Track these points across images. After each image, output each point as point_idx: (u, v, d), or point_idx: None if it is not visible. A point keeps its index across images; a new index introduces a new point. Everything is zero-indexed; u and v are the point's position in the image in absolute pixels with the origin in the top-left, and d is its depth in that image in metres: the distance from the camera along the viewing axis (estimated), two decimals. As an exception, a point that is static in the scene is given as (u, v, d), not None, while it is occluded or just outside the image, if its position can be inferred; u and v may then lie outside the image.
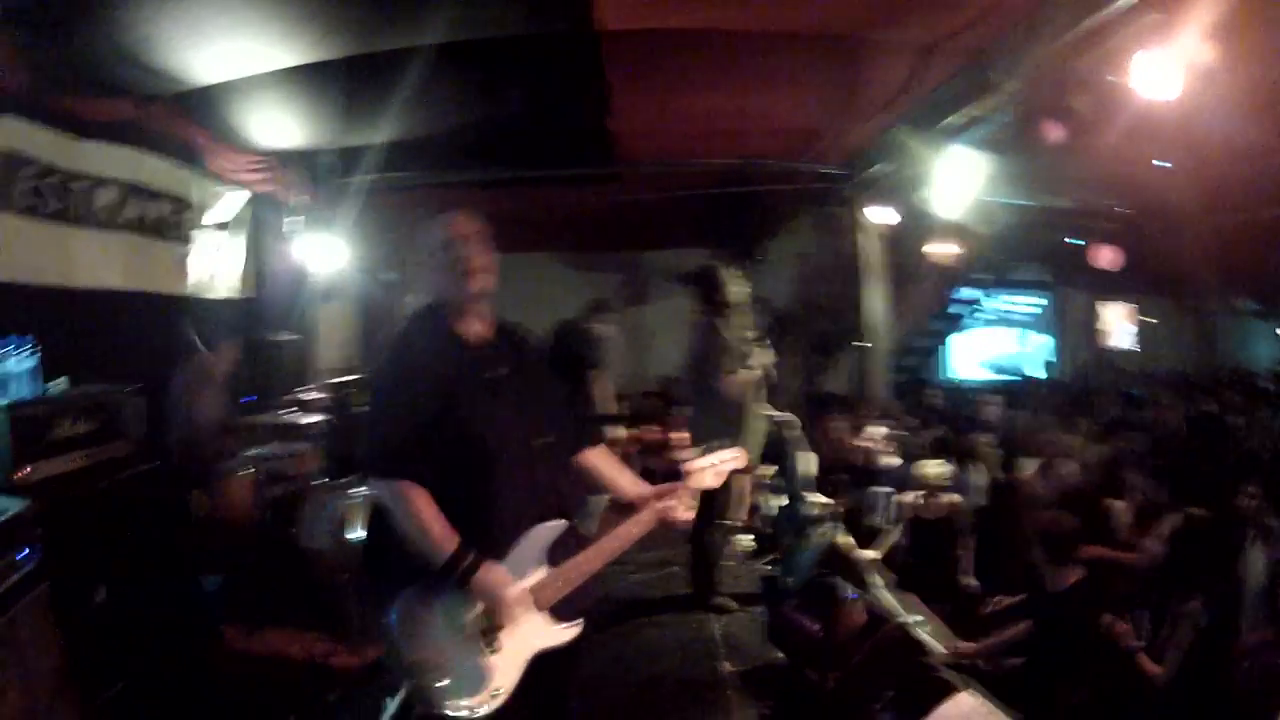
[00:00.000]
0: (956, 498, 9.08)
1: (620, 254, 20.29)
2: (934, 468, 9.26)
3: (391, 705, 6.04)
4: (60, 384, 6.42)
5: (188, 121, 9.00)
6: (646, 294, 19.94)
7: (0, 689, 4.40)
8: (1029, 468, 10.21)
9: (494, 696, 3.65)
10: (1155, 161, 13.94)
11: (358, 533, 7.70)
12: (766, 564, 9.52)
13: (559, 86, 9.98)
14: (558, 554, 3.94)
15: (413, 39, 8.03)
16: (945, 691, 5.47)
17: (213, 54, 7.91)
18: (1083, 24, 7.48)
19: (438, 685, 3.60)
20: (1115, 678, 6.06)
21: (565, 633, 3.93)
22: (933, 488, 9.17)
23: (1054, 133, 10.17)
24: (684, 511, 4.21)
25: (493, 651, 3.70)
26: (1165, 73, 7.04)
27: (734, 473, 4.29)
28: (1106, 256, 17.87)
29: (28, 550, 4.94)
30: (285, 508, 8.09)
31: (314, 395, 9.66)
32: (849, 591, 6.83)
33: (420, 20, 7.66)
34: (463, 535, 3.71)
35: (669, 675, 6.99)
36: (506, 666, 3.72)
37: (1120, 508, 8.50)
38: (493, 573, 3.71)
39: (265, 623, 7.33)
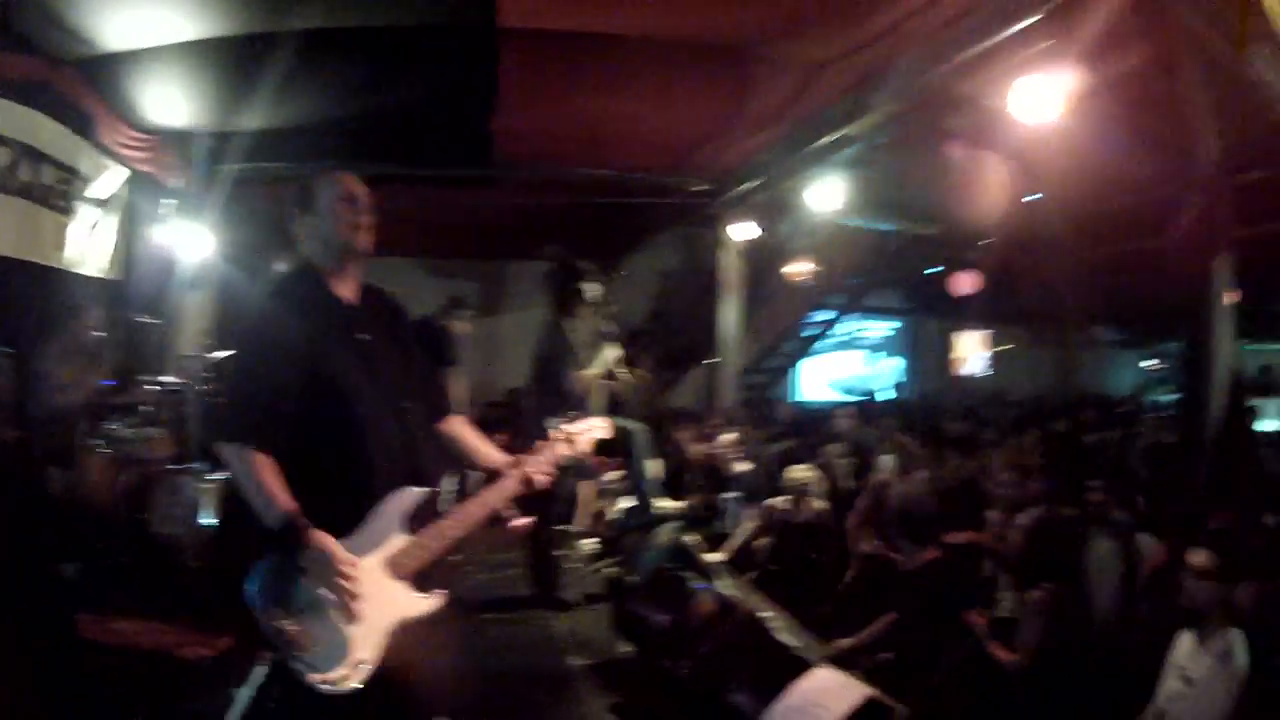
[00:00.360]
0: (823, 503, 9.24)
1: (483, 262, 20.25)
2: (801, 472, 9.42)
3: (242, 695, 6.10)
4: None
5: (89, 89, 8.85)
6: (503, 303, 19.99)
7: None
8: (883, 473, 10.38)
9: (358, 667, 3.56)
10: (1026, 194, 14.21)
11: (210, 518, 7.74)
12: (610, 565, 9.66)
13: (448, 81, 9.91)
14: (418, 522, 3.88)
15: (315, 20, 7.96)
16: (800, 668, 5.64)
17: (126, 19, 7.80)
18: (973, 49, 7.73)
19: (300, 657, 3.51)
20: (973, 662, 6.27)
21: (426, 602, 3.83)
22: (800, 492, 9.29)
23: (927, 157, 10.44)
24: (544, 476, 4.21)
25: (350, 621, 3.60)
26: (1044, 99, 7.26)
27: (578, 480, 4.34)
28: (965, 283, 18.20)
29: None
30: (139, 492, 8.06)
31: (172, 380, 9.58)
32: (698, 583, 7.00)
33: (317, 4, 7.67)
34: (327, 500, 3.67)
35: (516, 670, 7.00)
36: (367, 637, 3.62)
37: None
38: (322, 539, 3.57)
39: (118, 611, 7.32)
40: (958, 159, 12.28)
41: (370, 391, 3.91)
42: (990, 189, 13.57)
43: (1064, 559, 6.64)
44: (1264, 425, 16.31)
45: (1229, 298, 7.10)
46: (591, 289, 8.35)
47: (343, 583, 3.54)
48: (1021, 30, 7.16)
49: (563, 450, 4.32)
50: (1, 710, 5.66)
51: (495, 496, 4.12)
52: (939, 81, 8.64)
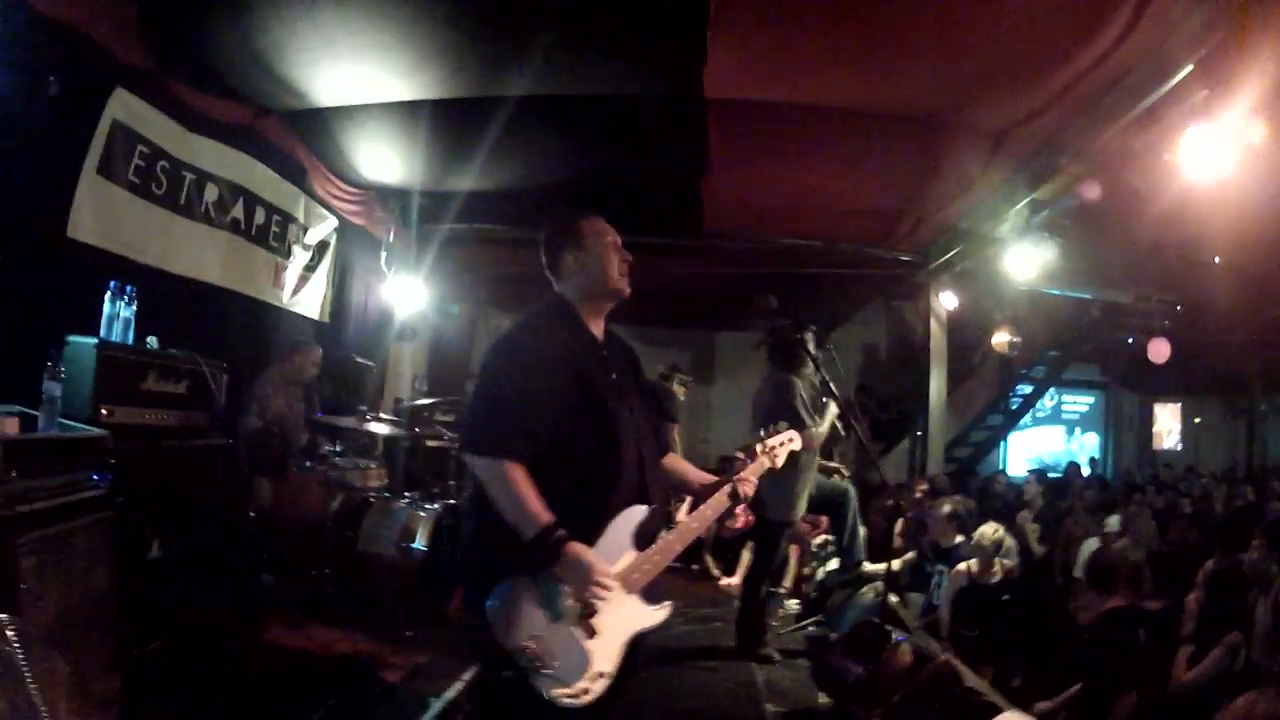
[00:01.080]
0: (1010, 563, 9.10)
1: (691, 331, 20.34)
2: (990, 531, 9.30)
3: (437, 704, 6.25)
4: (151, 342, 6.60)
5: (297, 139, 9.24)
6: (714, 374, 20.16)
7: (44, 591, 4.55)
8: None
9: (598, 680, 3.63)
10: (1209, 256, 13.93)
11: (420, 544, 7.95)
12: (811, 624, 9.65)
13: (658, 148, 10.00)
14: (644, 540, 3.93)
15: (525, 88, 8.15)
16: (990, 713, 5.62)
17: (335, 75, 8.10)
18: (1141, 104, 7.73)
19: (542, 672, 3.55)
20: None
21: (658, 614, 3.93)
22: (987, 552, 9.15)
23: (1112, 220, 10.32)
24: (751, 487, 4.33)
25: (590, 635, 3.67)
26: (1214, 149, 7.18)
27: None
28: (1159, 351, 17.85)
29: (97, 476, 5.16)
30: (348, 514, 8.32)
31: (384, 418, 9.89)
32: (897, 635, 6.96)
33: (537, 70, 7.81)
34: (570, 516, 3.71)
35: (712, 713, 7.14)
36: (606, 650, 3.70)
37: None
38: (581, 549, 3.66)
39: (314, 618, 7.56)
40: (1143, 222, 12.13)
41: (624, 424, 4.02)
42: (1177, 251, 13.38)
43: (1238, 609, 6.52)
44: None
45: None
46: (815, 343, 8.47)
47: (598, 593, 3.64)
48: (1180, 83, 7.20)
49: (765, 463, 4.46)
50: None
51: (710, 511, 4.24)
52: (1115, 141, 8.65)
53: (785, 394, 8.13)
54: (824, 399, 8.59)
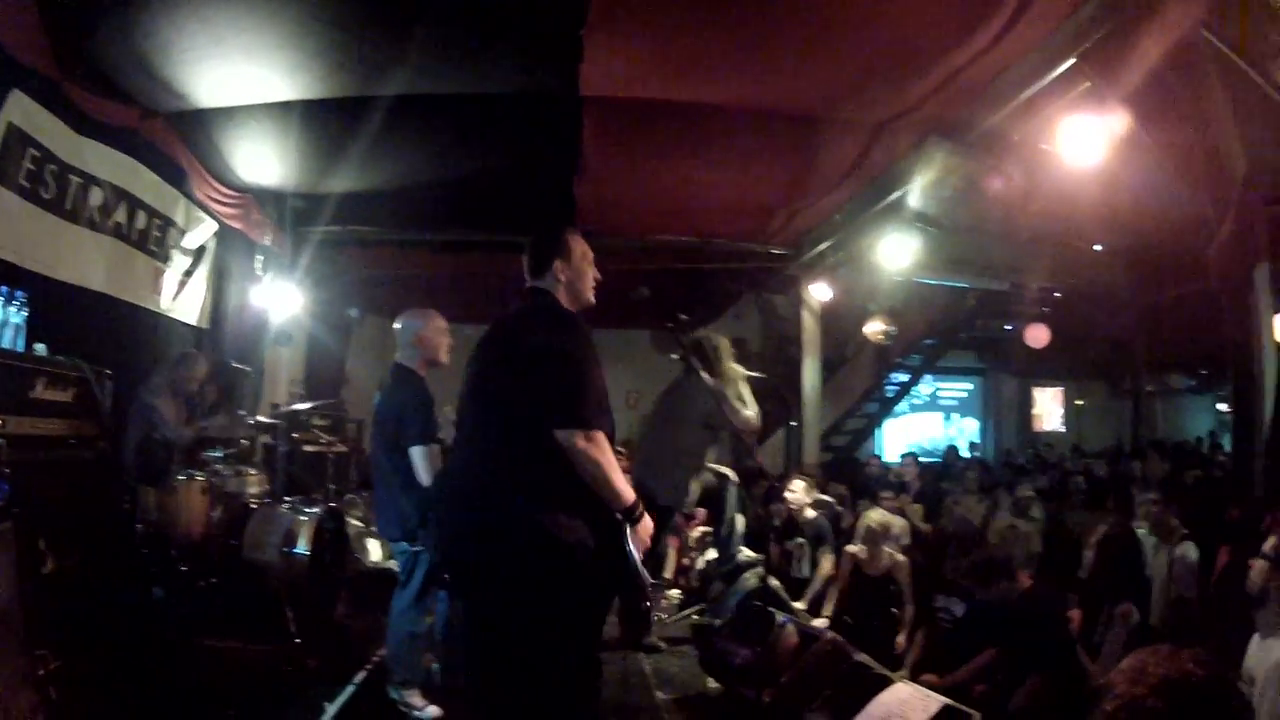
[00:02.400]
0: (900, 556, 9.20)
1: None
2: (876, 515, 9.39)
3: (331, 709, 6.22)
4: (39, 349, 6.48)
5: (179, 142, 9.06)
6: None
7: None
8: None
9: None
10: (1088, 244, 14.20)
11: (303, 548, 7.91)
12: (695, 612, 9.76)
13: (532, 148, 10.03)
14: None
15: (403, 87, 8.14)
16: (881, 685, 5.72)
17: (220, 75, 8.01)
18: (1021, 96, 7.89)
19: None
20: (1063, 678, 6.25)
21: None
22: (874, 537, 9.23)
23: (990, 209, 10.49)
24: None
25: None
26: (1093, 139, 7.35)
27: (661, 534, 4.68)
28: (1038, 337, 18.17)
29: (-1, 485, 5.04)
30: (231, 522, 8.25)
31: (263, 423, 9.81)
32: (781, 617, 7.04)
33: (415, 68, 7.81)
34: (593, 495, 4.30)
35: (605, 703, 7.06)
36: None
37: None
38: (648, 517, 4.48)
39: (208, 631, 7.47)
40: (1021, 212, 12.33)
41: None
42: (1055, 239, 13.64)
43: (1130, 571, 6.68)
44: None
45: (1274, 319, 7.11)
46: (720, 341, 8.73)
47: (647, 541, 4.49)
48: (1063, 75, 7.37)
49: None
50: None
51: None
52: (993, 131, 8.86)
53: (709, 396, 8.24)
54: (745, 384, 8.77)
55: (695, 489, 8.81)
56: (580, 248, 4.75)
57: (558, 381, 4.24)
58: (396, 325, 6.92)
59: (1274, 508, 6.06)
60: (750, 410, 8.54)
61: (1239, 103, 6.96)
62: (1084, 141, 7.51)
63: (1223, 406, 26.53)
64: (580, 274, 4.72)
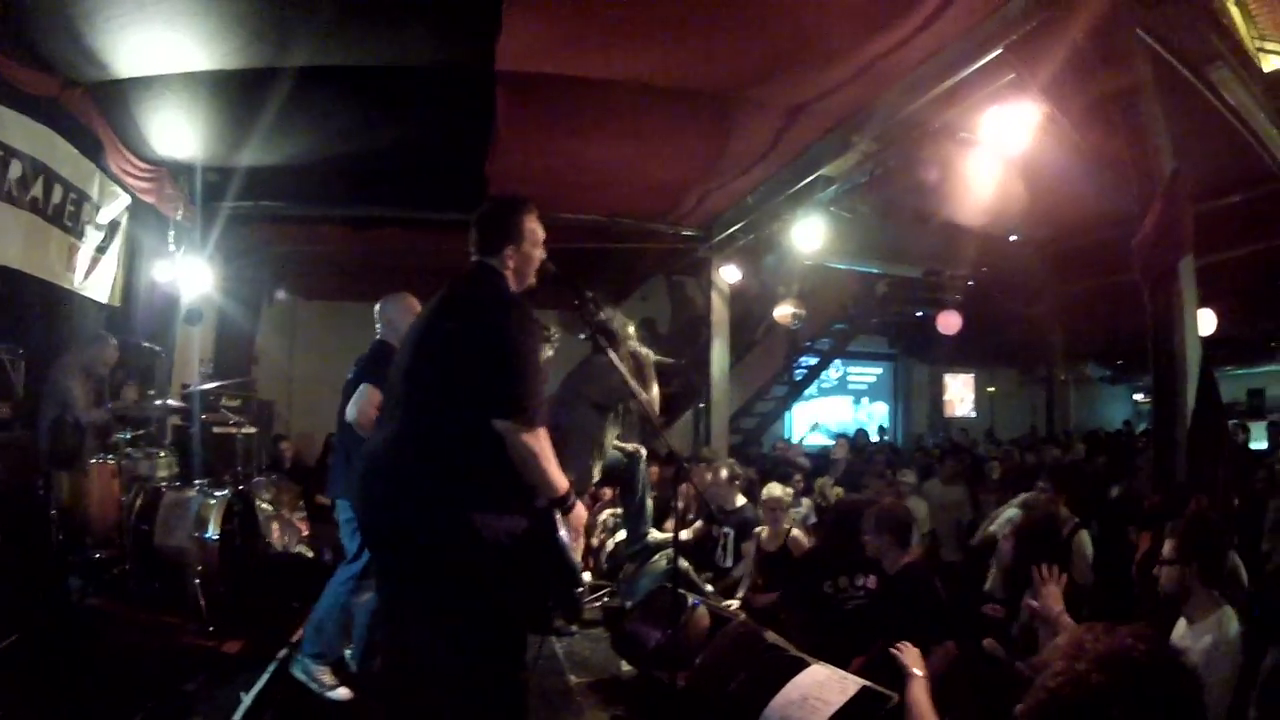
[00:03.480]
0: (798, 532, 9.25)
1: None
2: (777, 490, 9.44)
3: (247, 699, 6.18)
4: None
5: (97, 113, 8.88)
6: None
7: None
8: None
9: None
10: (1005, 234, 14.32)
11: (212, 533, 7.85)
12: (605, 595, 9.75)
13: (445, 122, 9.93)
14: None
15: (319, 58, 8.07)
16: (796, 667, 5.70)
17: (140, 43, 7.83)
18: (942, 85, 7.91)
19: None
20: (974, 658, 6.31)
21: None
22: (776, 511, 9.31)
23: (904, 196, 10.56)
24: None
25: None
26: (1012, 131, 7.45)
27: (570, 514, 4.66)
28: (950, 324, 18.34)
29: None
30: (144, 507, 8.16)
31: (173, 404, 9.70)
32: (692, 599, 7.08)
33: (331, 39, 7.76)
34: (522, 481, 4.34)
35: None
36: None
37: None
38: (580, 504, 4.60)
39: (123, 618, 7.40)
40: (937, 199, 12.42)
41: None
42: (972, 229, 13.75)
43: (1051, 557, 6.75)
44: (1255, 445, 16.72)
45: (1203, 316, 7.25)
46: (620, 318, 8.71)
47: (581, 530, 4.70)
48: (987, 65, 7.40)
49: None
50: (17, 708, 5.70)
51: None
52: (913, 118, 8.83)
53: (614, 373, 8.24)
54: (647, 364, 8.78)
55: (598, 470, 8.81)
56: (535, 231, 4.78)
57: (503, 370, 4.22)
58: (378, 307, 7.06)
59: (1195, 494, 6.20)
60: (654, 391, 8.58)
61: (1172, 104, 7.07)
62: (1006, 131, 7.60)
63: (1139, 396, 27.10)
64: (529, 259, 4.75)
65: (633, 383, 7.81)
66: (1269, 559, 8.62)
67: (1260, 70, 7.99)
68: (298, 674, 6.53)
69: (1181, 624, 5.11)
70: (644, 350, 8.82)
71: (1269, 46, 8.23)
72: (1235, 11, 8.61)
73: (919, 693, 5.03)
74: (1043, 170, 9.71)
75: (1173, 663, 2.31)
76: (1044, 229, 14.30)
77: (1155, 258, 6.73)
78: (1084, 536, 8.14)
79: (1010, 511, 9.43)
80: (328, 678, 6.51)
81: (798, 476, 12.43)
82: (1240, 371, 24.10)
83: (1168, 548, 5.07)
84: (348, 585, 6.57)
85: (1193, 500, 6.09)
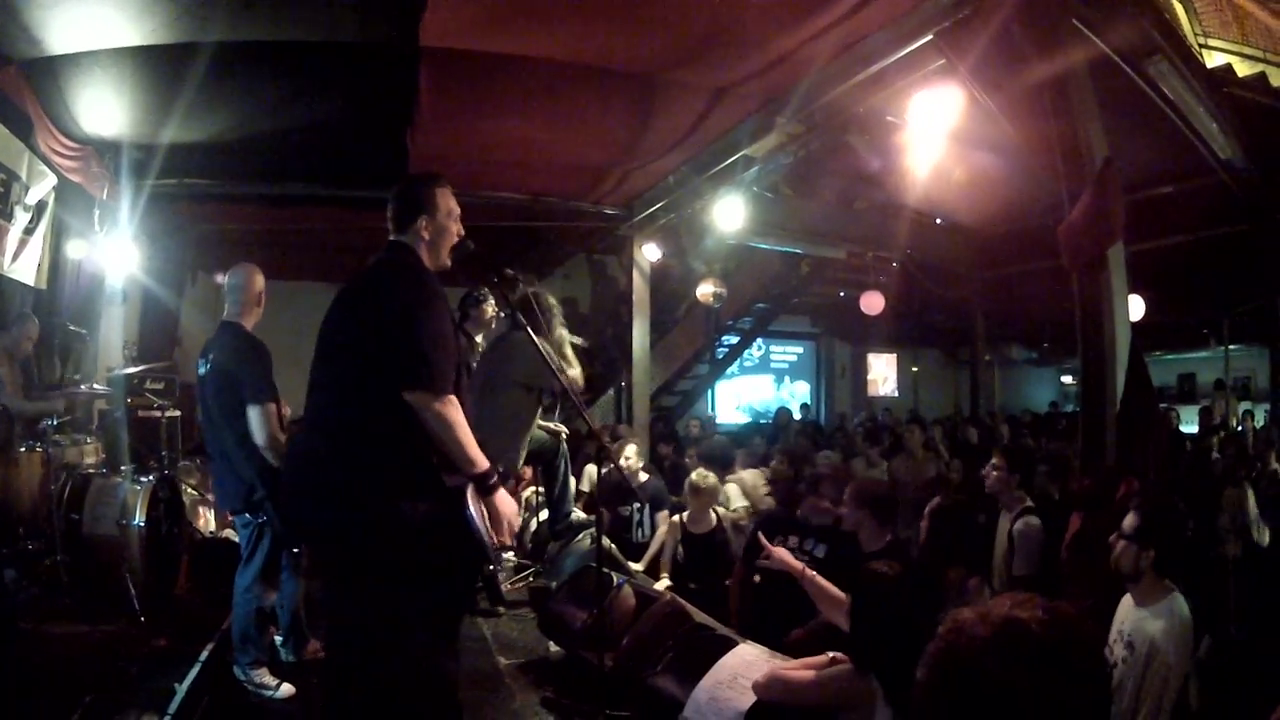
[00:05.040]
0: (723, 511, 9.36)
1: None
2: (698, 477, 9.55)
3: (181, 690, 6.21)
4: None
5: (29, 91, 8.79)
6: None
7: None
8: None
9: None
10: (931, 217, 14.47)
11: (138, 520, 7.85)
12: (530, 575, 9.78)
13: (366, 99, 9.92)
14: None
15: (243, 33, 8.01)
16: (725, 646, 5.82)
17: (73, 18, 7.72)
18: (870, 69, 7.99)
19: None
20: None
21: None
22: (701, 500, 9.48)
23: (828, 178, 10.66)
24: None
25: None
26: (941, 115, 7.56)
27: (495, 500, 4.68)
28: (873, 305, 18.51)
29: None
30: (72, 495, 8.12)
31: (101, 389, 9.65)
32: (617, 579, 7.17)
33: (254, 11, 7.65)
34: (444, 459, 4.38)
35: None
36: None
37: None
38: (504, 493, 4.59)
39: (56, 613, 7.38)
40: (863, 182, 12.56)
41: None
42: (895, 211, 13.90)
43: (965, 540, 6.87)
44: (1185, 429, 17.09)
45: (1133, 301, 7.40)
46: (549, 300, 8.72)
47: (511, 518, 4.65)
48: (916, 51, 7.49)
49: None
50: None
51: None
52: (838, 102, 8.91)
53: (534, 351, 8.24)
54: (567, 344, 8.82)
55: (525, 450, 8.80)
56: (447, 204, 4.78)
57: (411, 343, 4.25)
58: (222, 280, 6.87)
59: (1126, 477, 6.34)
60: (575, 370, 8.63)
61: (1108, 94, 7.20)
62: (933, 117, 7.71)
63: (1067, 379, 27.53)
64: (443, 231, 4.74)
65: (556, 360, 7.91)
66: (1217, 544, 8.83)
67: (1202, 65, 8.14)
68: (240, 678, 6.49)
69: (1126, 602, 5.20)
70: (562, 330, 8.86)
71: (1213, 44, 8.40)
72: (1179, 7, 8.78)
73: (813, 579, 5.26)
74: (970, 155, 9.84)
75: (1070, 651, 2.34)
76: (970, 213, 14.48)
77: (1084, 244, 6.86)
78: (1032, 521, 8.23)
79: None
80: (269, 679, 6.47)
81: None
82: (1171, 357, 24.69)
83: (1129, 521, 5.15)
84: (253, 590, 6.53)
85: (1123, 484, 6.24)
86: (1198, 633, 5.02)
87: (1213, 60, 8.69)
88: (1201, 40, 8.51)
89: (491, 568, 8.73)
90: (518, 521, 4.76)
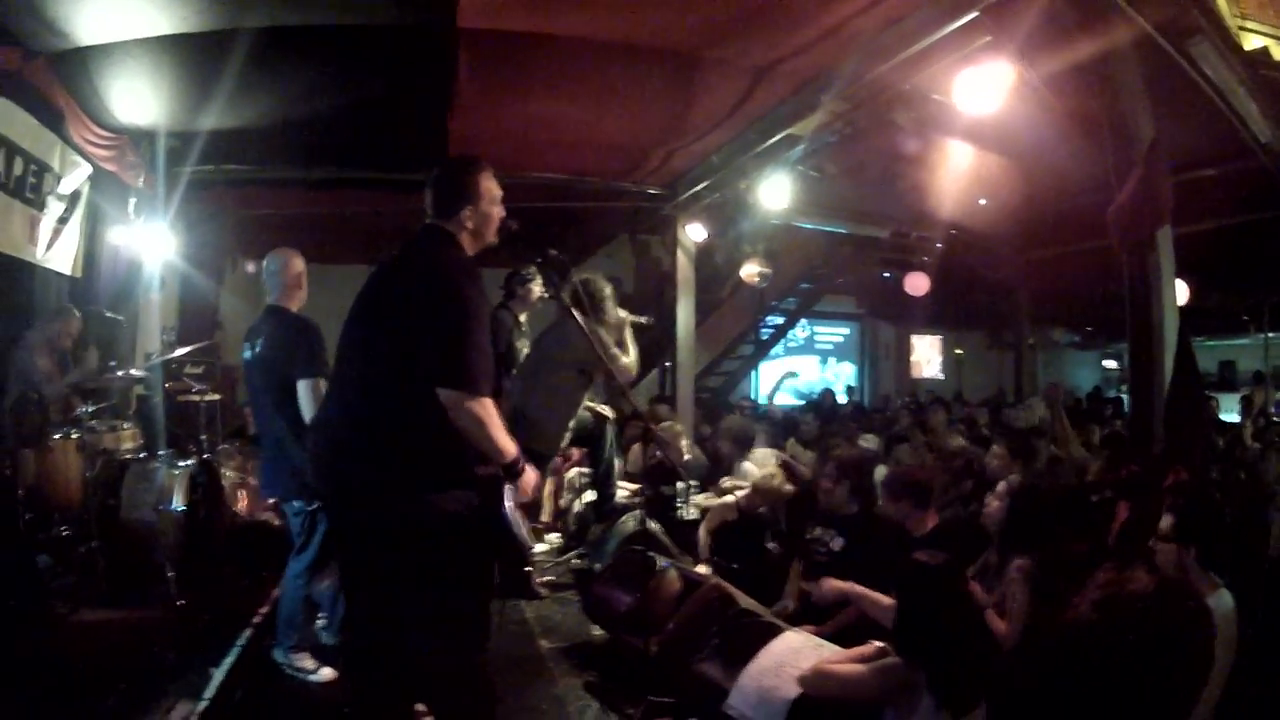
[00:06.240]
0: (780, 483, 9.24)
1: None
2: (764, 478, 9.42)
3: (218, 675, 6.14)
4: None
5: (58, 83, 8.76)
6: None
7: None
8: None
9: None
10: (974, 197, 14.29)
11: (177, 505, 7.81)
12: (574, 557, 9.74)
13: (405, 82, 9.83)
14: None
15: (275, 17, 7.96)
16: (771, 633, 5.73)
17: (100, 10, 7.70)
18: (914, 47, 7.78)
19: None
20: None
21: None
22: (759, 485, 9.28)
23: (876, 159, 10.50)
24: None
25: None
26: (986, 95, 7.40)
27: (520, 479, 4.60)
28: (917, 285, 18.36)
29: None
30: (108, 481, 8.08)
31: (135, 375, 9.61)
32: (662, 562, 7.03)
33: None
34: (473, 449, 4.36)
35: (491, 652, 7.07)
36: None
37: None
38: (531, 472, 4.59)
39: (92, 597, 7.33)
40: (907, 161, 12.39)
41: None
42: (941, 191, 13.71)
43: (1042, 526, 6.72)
44: (1226, 418, 16.85)
45: (1178, 286, 7.22)
46: (603, 284, 8.72)
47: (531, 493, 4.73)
48: (962, 28, 7.26)
49: None
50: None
51: None
52: (883, 79, 8.76)
53: (583, 338, 8.13)
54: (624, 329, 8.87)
55: (568, 432, 8.76)
56: (491, 190, 4.72)
57: (448, 339, 4.17)
58: (264, 264, 6.78)
59: (1173, 465, 6.19)
60: (630, 357, 8.57)
61: (1151, 74, 7.05)
62: (979, 94, 7.55)
63: (1110, 363, 27.33)
64: (487, 219, 4.69)
65: (610, 348, 7.81)
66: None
67: (1240, 47, 7.95)
68: (280, 661, 6.47)
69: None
70: (623, 313, 8.76)
71: (1250, 26, 8.21)
72: (1218, -13, 8.62)
73: (861, 597, 5.19)
74: (1015, 134, 9.67)
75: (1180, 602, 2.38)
76: (1014, 193, 14.27)
77: (1133, 227, 6.71)
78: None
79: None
80: (309, 663, 6.46)
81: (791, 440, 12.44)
82: (1212, 343, 24.40)
83: (1166, 523, 5.05)
84: (304, 577, 6.50)
85: (1170, 473, 6.08)
86: (1242, 625, 4.87)
87: (1250, 43, 8.51)
88: (1240, 22, 8.32)
89: (527, 568, 8.70)
90: (534, 491, 4.78)
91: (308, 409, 6.16)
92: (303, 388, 6.22)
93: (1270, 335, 19.65)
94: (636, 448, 11.40)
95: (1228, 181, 11.21)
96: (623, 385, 7.20)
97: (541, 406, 8.31)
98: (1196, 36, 7.05)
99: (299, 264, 6.74)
